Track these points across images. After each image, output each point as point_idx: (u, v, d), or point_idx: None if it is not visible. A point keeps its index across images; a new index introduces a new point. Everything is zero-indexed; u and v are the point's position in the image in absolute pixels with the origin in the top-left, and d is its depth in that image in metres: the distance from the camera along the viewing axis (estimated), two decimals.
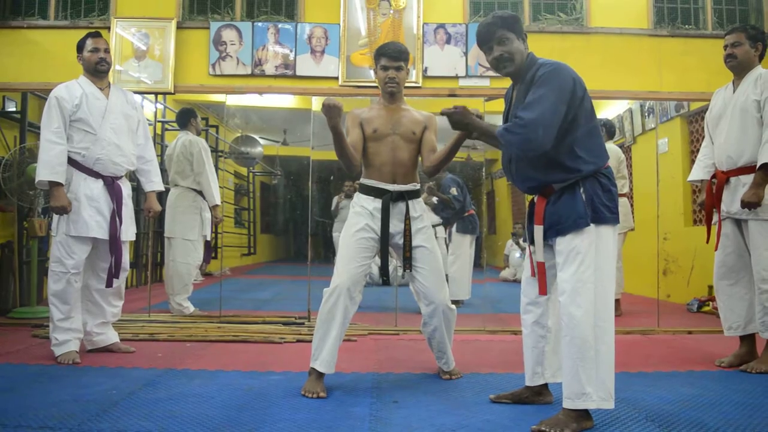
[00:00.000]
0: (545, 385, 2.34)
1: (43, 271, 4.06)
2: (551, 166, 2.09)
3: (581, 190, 2.06)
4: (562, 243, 2.07)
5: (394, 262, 2.98)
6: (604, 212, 2.04)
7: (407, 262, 2.68)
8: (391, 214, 2.66)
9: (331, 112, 2.44)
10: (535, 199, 2.20)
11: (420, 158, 2.80)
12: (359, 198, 2.72)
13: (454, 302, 5.07)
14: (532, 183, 2.18)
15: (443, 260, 2.85)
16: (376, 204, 2.66)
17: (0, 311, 4.25)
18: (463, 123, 2.22)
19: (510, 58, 2.16)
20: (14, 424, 2.00)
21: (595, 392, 1.98)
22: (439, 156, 2.68)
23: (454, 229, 5.30)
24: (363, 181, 2.75)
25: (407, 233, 2.66)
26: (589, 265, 2.01)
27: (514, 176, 2.24)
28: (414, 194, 2.73)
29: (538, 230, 2.14)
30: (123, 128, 3.15)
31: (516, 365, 3.02)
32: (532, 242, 2.22)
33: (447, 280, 2.87)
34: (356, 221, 2.66)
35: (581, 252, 2.02)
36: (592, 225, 2.02)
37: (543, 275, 2.17)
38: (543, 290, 2.18)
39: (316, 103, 4.33)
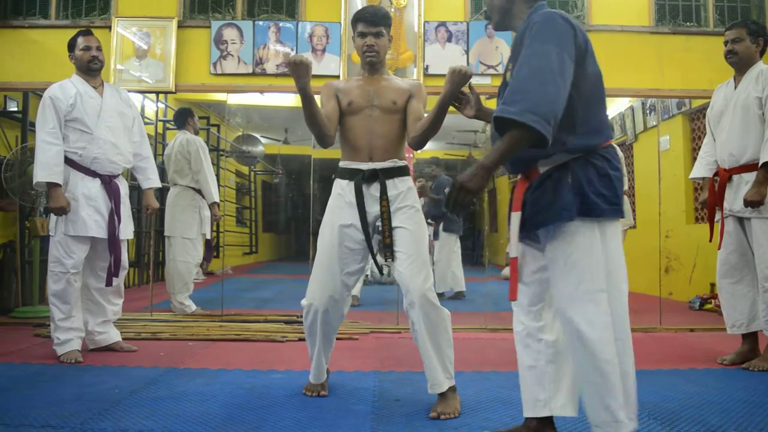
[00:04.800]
0: (550, 420, 1.89)
1: (45, 271, 4.04)
2: None
3: (569, 175, 1.65)
4: (552, 247, 1.69)
5: None
6: (599, 203, 1.62)
7: (388, 250, 2.28)
8: (366, 195, 2.32)
9: (299, 70, 2.12)
10: (517, 182, 1.82)
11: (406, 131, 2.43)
12: (336, 184, 2.42)
13: (457, 293, 5.12)
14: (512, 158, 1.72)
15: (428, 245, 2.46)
16: (350, 187, 2.34)
17: (2, 311, 4.25)
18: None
19: (488, 15, 1.97)
20: (17, 423, 2.01)
21: (627, 416, 1.64)
22: (424, 123, 2.30)
23: (440, 227, 5.35)
24: (340, 164, 2.44)
25: (384, 216, 2.30)
26: (598, 271, 1.63)
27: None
28: (393, 172, 2.34)
29: (515, 217, 1.73)
30: (119, 126, 3.14)
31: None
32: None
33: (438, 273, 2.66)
34: (334, 219, 2.35)
35: (580, 259, 1.64)
36: (594, 223, 1.63)
37: (515, 273, 1.76)
38: (513, 294, 1.79)
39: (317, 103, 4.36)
